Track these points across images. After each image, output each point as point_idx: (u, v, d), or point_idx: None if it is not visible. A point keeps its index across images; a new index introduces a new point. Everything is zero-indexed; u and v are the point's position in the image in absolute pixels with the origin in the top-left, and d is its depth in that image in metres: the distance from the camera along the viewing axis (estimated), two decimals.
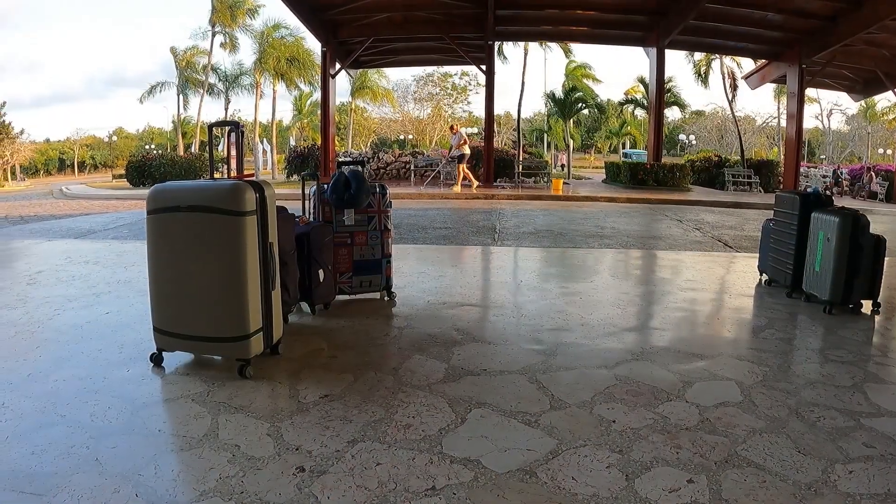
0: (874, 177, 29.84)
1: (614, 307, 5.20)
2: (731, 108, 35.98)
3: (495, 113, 26.54)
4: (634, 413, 3.06)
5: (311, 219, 5.08)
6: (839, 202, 6.08)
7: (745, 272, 6.87)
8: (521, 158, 25.85)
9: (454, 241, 9.67)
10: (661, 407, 3.14)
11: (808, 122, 62.85)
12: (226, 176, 4.53)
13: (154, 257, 3.56)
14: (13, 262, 7.51)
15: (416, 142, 57.33)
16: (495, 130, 30.68)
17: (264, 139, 44.36)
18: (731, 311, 5.34)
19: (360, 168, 5.14)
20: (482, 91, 26.29)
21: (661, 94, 23.68)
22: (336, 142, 28.21)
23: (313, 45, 36.65)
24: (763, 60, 25.52)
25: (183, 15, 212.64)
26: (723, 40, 23.58)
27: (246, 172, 4.84)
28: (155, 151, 49.41)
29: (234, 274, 3.38)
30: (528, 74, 35.34)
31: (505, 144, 44.91)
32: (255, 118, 47.89)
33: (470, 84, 55.31)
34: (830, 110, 59.82)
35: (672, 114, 52.83)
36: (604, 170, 29.83)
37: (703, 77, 35.66)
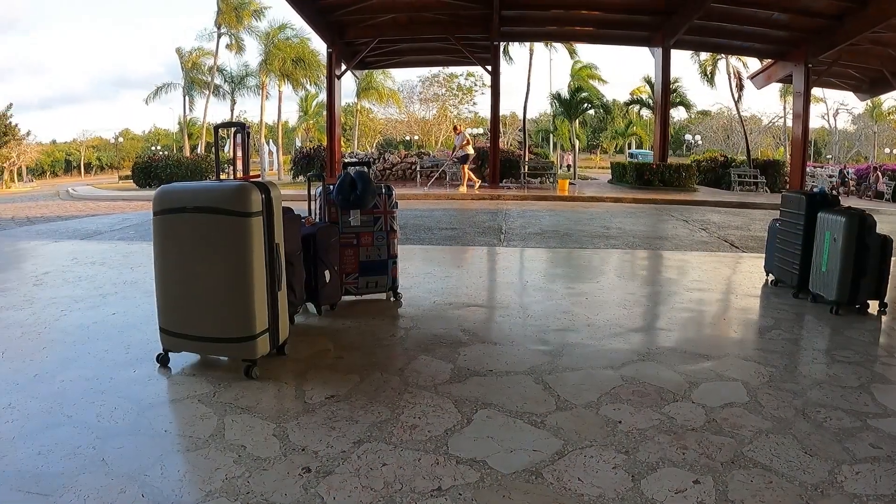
0: (881, 176, 29.73)
1: (620, 308, 5.20)
2: (737, 108, 35.80)
3: (501, 113, 26.51)
4: (640, 414, 3.06)
5: (317, 219, 5.08)
6: (845, 202, 6.07)
7: (752, 272, 6.85)
8: (526, 159, 25.78)
9: (460, 241, 9.67)
10: (667, 408, 3.14)
11: (815, 122, 62.65)
12: (232, 177, 4.53)
13: (160, 258, 3.57)
14: (20, 262, 7.54)
15: (421, 142, 57.35)
16: (501, 131, 30.60)
17: (270, 140, 44.46)
18: (737, 312, 5.33)
19: (365, 169, 5.14)
20: (488, 92, 26.29)
21: (666, 94, 23.62)
22: (342, 143, 28.24)
23: (319, 45, 36.70)
24: (769, 60, 25.45)
25: (182, 15, 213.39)
26: (728, 40, 23.50)
27: (252, 173, 4.83)
28: (161, 153, 49.57)
29: (240, 275, 3.39)
30: (533, 75, 35.19)
31: (511, 145, 44.89)
32: (261, 119, 47.89)
33: (475, 85, 55.30)
34: (837, 110, 59.54)
35: (678, 114, 52.64)
36: (609, 170, 29.75)
37: (709, 77, 35.52)
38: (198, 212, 3.40)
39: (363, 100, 50.93)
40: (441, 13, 21.85)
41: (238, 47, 44.57)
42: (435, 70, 54.38)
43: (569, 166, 43.79)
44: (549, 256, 8.31)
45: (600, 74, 41.31)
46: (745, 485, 2.41)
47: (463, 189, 19.83)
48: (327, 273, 4.70)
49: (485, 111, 46.84)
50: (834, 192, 23.79)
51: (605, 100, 44.97)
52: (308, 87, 45.84)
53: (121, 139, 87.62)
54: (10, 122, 47.84)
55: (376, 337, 4.33)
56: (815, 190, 5.76)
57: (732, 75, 32.97)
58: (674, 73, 24.03)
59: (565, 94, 40.76)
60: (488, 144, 24.65)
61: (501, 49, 25.91)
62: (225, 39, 44.28)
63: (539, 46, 35.17)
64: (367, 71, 38.05)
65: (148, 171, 27.69)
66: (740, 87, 33.77)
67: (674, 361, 3.83)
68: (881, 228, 5.06)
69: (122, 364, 3.71)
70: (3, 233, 11.37)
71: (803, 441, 2.78)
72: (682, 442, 2.75)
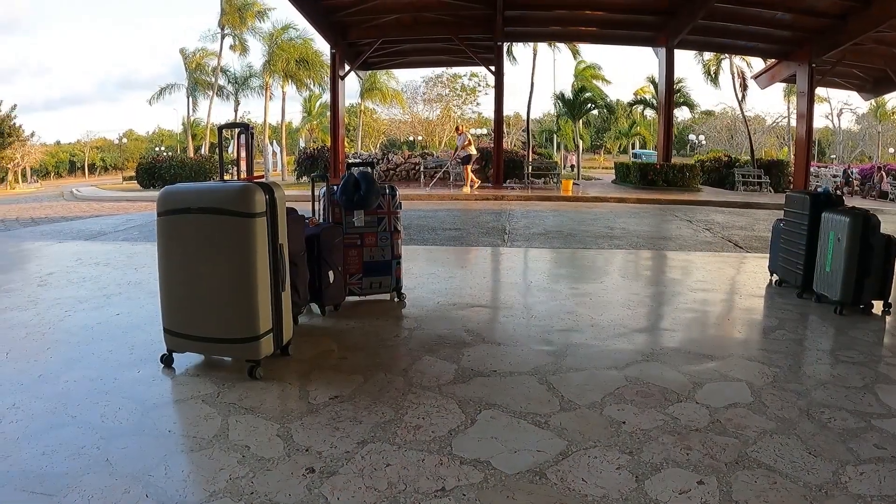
0: (885, 176, 29.69)
1: (624, 308, 5.19)
2: (741, 108, 35.78)
3: (505, 114, 26.52)
4: (644, 414, 3.06)
5: (321, 220, 5.09)
6: (849, 202, 6.05)
7: (756, 273, 6.84)
8: (530, 159, 25.82)
9: (464, 242, 9.66)
10: (671, 408, 3.13)
11: (819, 122, 62.61)
12: (236, 178, 4.54)
13: (164, 259, 3.57)
14: (24, 263, 7.55)
15: (425, 143, 57.34)
16: (504, 131, 30.61)
17: (274, 141, 44.41)
18: (741, 312, 5.32)
19: (369, 169, 5.14)
20: (491, 92, 26.20)
21: (670, 94, 23.62)
22: (346, 143, 28.29)
23: (322, 46, 36.65)
24: (773, 60, 25.41)
25: (182, 15, 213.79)
26: (732, 40, 23.48)
27: (256, 174, 4.84)
28: (165, 153, 49.57)
29: (244, 275, 3.39)
30: (537, 75, 35.32)
31: (514, 145, 44.91)
32: (265, 120, 47.86)
33: (479, 85, 55.28)
34: (840, 109, 59.46)
35: (682, 114, 52.64)
36: (613, 170, 29.74)
37: (712, 77, 35.49)
38: (202, 212, 3.41)
39: (367, 100, 50.97)
40: (444, 13, 21.85)
41: (242, 48, 44.57)
42: (438, 70, 54.45)
43: (572, 166, 43.81)
44: (553, 257, 8.31)
45: (604, 75, 41.31)
46: (750, 485, 2.41)
47: (466, 189, 19.85)
48: (331, 274, 4.70)
49: (488, 111, 46.91)
50: (838, 192, 23.74)
51: (608, 100, 44.92)
52: (312, 87, 45.82)
53: (125, 140, 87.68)
54: (15, 123, 47.88)
55: (380, 337, 4.33)
56: (818, 190, 5.76)
57: (736, 75, 32.96)
58: (677, 74, 24.14)
59: (569, 94, 40.77)
60: (492, 145, 24.64)
61: (505, 49, 25.88)
62: (229, 40, 44.30)
63: (543, 47, 35.15)
64: (370, 71, 38.10)
65: (152, 172, 27.70)
66: (744, 87, 33.77)
67: (678, 362, 3.83)
68: (885, 228, 5.05)
69: (127, 364, 3.71)
70: (8, 233, 11.40)
71: (807, 441, 2.77)
72: (686, 442, 2.75)
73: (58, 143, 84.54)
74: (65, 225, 12.54)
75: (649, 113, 49.70)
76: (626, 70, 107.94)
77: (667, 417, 3.02)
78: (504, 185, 22.28)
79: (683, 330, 4.67)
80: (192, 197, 3.48)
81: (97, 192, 26.73)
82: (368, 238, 5.11)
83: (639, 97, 47.53)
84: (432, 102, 58.73)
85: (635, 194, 19.68)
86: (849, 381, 3.56)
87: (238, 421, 2.96)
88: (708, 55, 33.84)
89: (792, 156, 32.54)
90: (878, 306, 5.14)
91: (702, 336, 4.60)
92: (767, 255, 6.51)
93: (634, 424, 2.94)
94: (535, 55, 36.04)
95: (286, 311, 3.66)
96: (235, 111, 50.01)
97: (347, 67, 25.20)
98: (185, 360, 3.70)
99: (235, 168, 4.77)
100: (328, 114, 29.81)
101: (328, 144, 27.22)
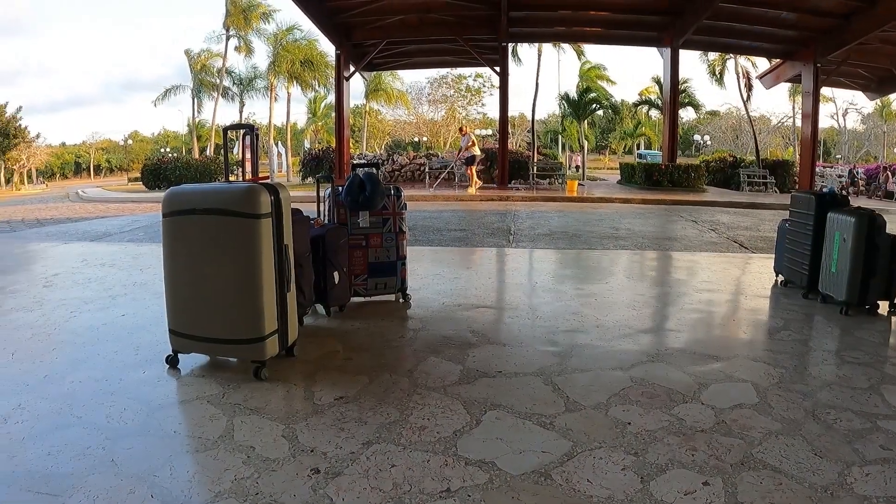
0: (890, 176, 29.56)
1: (630, 309, 5.19)
2: (746, 108, 35.69)
3: (510, 114, 26.52)
4: (650, 415, 3.05)
5: (326, 221, 5.09)
6: (855, 202, 6.04)
7: (761, 273, 6.83)
8: (535, 160, 25.81)
9: (469, 242, 9.66)
10: (676, 409, 3.13)
11: (824, 122, 62.11)
12: (241, 179, 4.55)
13: (170, 260, 3.58)
14: (30, 264, 7.58)
15: (430, 144, 57.31)
16: (510, 132, 30.60)
17: (279, 142, 44.45)
18: (746, 313, 5.32)
19: (374, 170, 5.15)
20: (496, 93, 26.17)
21: (675, 94, 23.55)
22: (350, 144, 28.24)
23: (327, 47, 36.74)
24: (778, 60, 25.35)
25: (182, 15, 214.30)
26: (737, 40, 23.42)
27: (261, 175, 4.86)
28: (170, 155, 49.67)
29: (249, 276, 3.40)
30: (542, 76, 35.36)
31: (519, 146, 44.85)
32: (270, 121, 48.01)
33: (484, 86, 55.09)
34: (846, 109, 59.19)
35: (687, 114, 52.55)
36: (618, 171, 29.71)
37: (717, 77, 35.48)
38: (207, 213, 3.41)
39: (372, 101, 50.97)
40: (448, 14, 21.84)
41: (247, 49, 44.74)
42: (443, 71, 54.31)
43: (577, 167, 43.73)
44: (558, 257, 8.30)
45: (609, 75, 41.37)
46: (755, 486, 2.40)
47: (471, 190, 19.84)
48: (336, 274, 4.71)
49: (493, 112, 46.83)
50: (843, 192, 23.69)
51: (613, 100, 44.97)
52: (317, 88, 45.95)
53: (130, 141, 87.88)
54: (20, 125, 48.06)
55: (385, 338, 4.34)
56: (824, 190, 5.74)
57: (741, 75, 32.90)
58: (683, 74, 24.02)
59: (574, 94, 40.80)
60: (497, 145, 24.64)
61: (510, 50, 25.88)
62: (234, 42, 44.46)
63: (547, 47, 35.16)
64: (375, 72, 38.09)
65: (157, 173, 27.77)
66: (749, 87, 33.70)
67: (683, 362, 3.82)
68: (891, 228, 5.03)
69: (132, 365, 3.72)
70: (14, 235, 11.44)
71: (813, 442, 2.77)
72: (691, 443, 2.75)
73: (63, 144, 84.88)
74: (70, 226, 12.57)
75: (654, 113, 49.71)
76: (631, 70, 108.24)
77: (672, 418, 3.01)
78: (509, 185, 22.27)
79: (689, 331, 4.66)
80: (198, 198, 3.49)
81: (103, 193, 26.84)
82: (373, 239, 5.11)
83: (644, 97, 47.52)
84: (437, 103, 58.60)
85: (640, 195, 19.65)
86: (854, 381, 3.55)
87: (243, 421, 2.96)
88: (713, 55, 33.83)
89: (797, 156, 32.49)
90: (883, 307, 5.12)
91: (707, 337, 4.59)
92: (773, 256, 6.50)
93: (640, 425, 2.93)
94: (539, 56, 36.05)
95: (291, 311, 3.67)
96: (240, 112, 50.18)
97: (352, 68, 25.20)
98: (191, 360, 3.71)
99: (241, 169, 4.79)
100: (333, 115, 29.88)
101: (333, 145, 27.27)
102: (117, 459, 2.58)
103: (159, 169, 28.11)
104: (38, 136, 52.14)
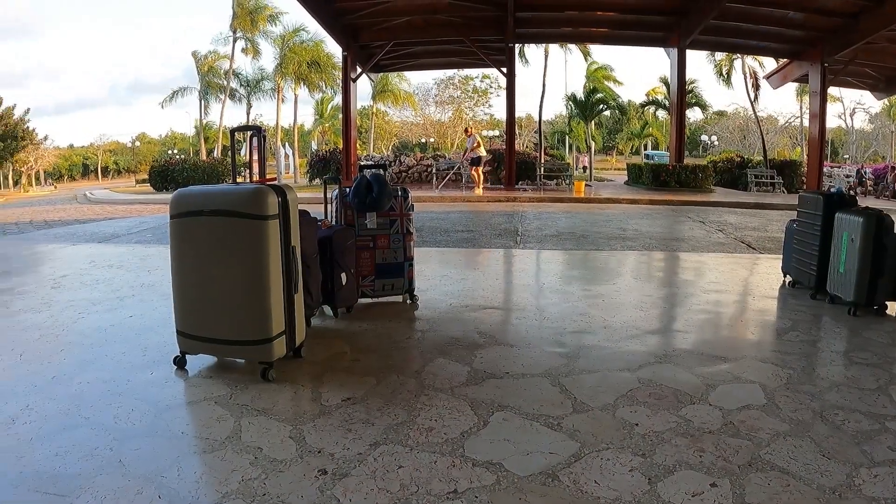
0: None
1: (637, 310, 5.18)
2: (754, 108, 35.66)
3: (517, 115, 26.50)
4: (657, 416, 3.05)
5: (334, 222, 5.10)
6: (863, 202, 6.01)
7: (769, 274, 6.81)
8: (542, 161, 25.79)
9: (476, 243, 9.65)
10: (684, 410, 3.12)
11: (831, 122, 62.17)
12: (248, 180, 4.56)
13: (177, 261, 3.59)
14: (38, 266, 7.60)
15: (437, 145, 57.38)
16: (517, 133, 30.57)
17: (286, 143, 44.57)
18: (754, 313, 5.30)
19: (381, 171, 5.15)
20: (503, 94, 26.20)
21: (682, 94, 23.53)
22: (358, 145, 28.31)
23: (334, 48, 36.80)
24: (785, 59, 25.27)
25: (182, 15, 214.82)
26: (744, 40, 23.39)
27: (268, 176, 4.87)
28: (177, 156, 49.84)
29: (256, 277, 3.40)
30: (549, 77, 35.34)
31: (526, 147, 44.91)
32: (277, 122, 48.07)
33: (491, 87, 55.29)
34: (853, 109, 59.09)
35: (694, 114, 52.60)
36: (626, 171, 29.65)
37: (724, 77, 35.41)
38: (214, 215, 3.42)
39: (378, 102, 51.08)
40: (455, 15, 21.87)
41: (254, 51, 44.83)
42: (450, 72, 54.50)
43: (584, 168, 43.70)
44: (566, 258, 8.29)
45: (615, 76, 41.35)
46: (763, 488, 2.39)
47: (478, 191, 19.84)
48: (343, 276, 4.71)
49: (500, 113, 46.99)
50: (851, 192, 23.60)
51: (620, 101, 44.89)
52: (324, 89, 46.00)
53: (137, 143, 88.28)
54: (28, 127, 48.28)
55: (393, 339, 4.34)
56: (832, 190, 5.72)
57: (748, 75, 32.85)
58: (689, 74, 24.06)
59: (580, 95, 40.78)
60: (504, 146, 24.64)
61: (516, 51, 25.90)
62: (240, 43, 44.55)
63: (554, 48, 35.21)
64: (382, 74, 38.14)
65: (165, 175, 27.84)
66: (756, 87, 33.66)
67: (691, 363, 3.81)
68: None
69: (140, 366, 3.73)
70: (22, 236, 11.49)
71: (821, 444, 2.76)
72: (699, 444, 2.74)
73: (71, 146, 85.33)
74: (78, 227, 12.62)
75: (661, 114, 49.68)
76: (638, 71, 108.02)
77: (680, 419, 3.01)
78: (516, 186, 22.27)
79: (696, 331, 4.65)
80: (205, 199, 3.49)
81: (110, 194, 26.90)
82: (381, 240, 5.11)
83: (651, 98, 47.50)
84: (444, 104, 58.78)
85: (648, 195, 19.61)
86: (862, 382, 3.53)
87: (251, 422, 2.96)
88: (720, 55, 33.78)
89: (805, 156, 32.35)
90: (892, 307, 5.10)
91: (715, 337, 4.58)
92: (780, 256, 6.48)
93: (647, 426, 2.93)
94: (546, 56, 36.16)
95: (299, 313, 3.67)
96: (247, 114, 50.32)
97: (359, 70, 25.24)
98: (198, 361, 3.72)
99: (248, 170, 4.79)
100: (340, 116, 29.91)
101: (340, 147, 27.31)
102: (125, 460, 2.59)
103: (167, 171, 28.17)
104: (45, 138, 52.51)
